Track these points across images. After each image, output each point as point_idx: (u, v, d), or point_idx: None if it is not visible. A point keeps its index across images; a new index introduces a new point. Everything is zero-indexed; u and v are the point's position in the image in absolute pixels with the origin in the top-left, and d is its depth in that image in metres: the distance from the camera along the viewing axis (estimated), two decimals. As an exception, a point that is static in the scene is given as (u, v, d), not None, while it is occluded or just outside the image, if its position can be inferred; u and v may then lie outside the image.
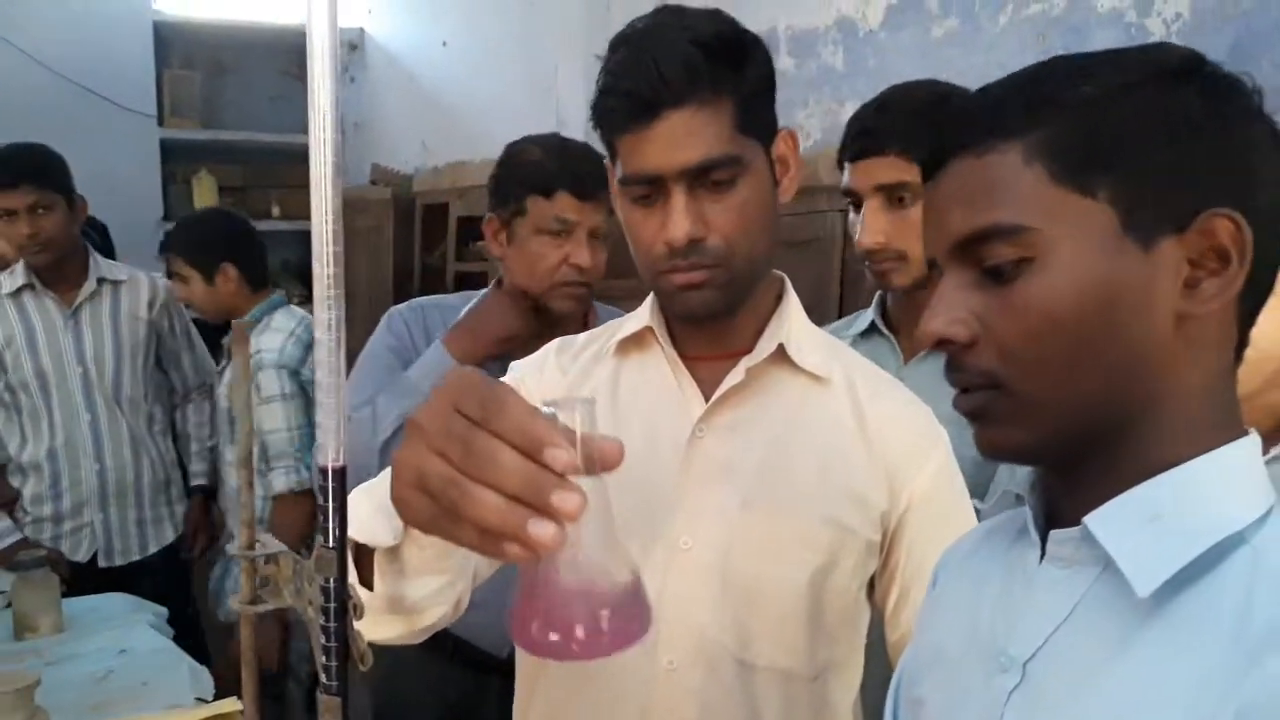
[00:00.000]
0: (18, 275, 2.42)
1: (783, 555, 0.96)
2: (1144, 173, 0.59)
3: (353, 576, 0.74)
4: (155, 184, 4.20)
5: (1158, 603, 0.58)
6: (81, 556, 2.44)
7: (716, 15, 0.96)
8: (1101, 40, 1.90)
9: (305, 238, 2.88)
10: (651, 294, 1.04)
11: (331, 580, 0.58)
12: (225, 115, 4.57)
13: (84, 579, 2.31)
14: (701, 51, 0.91)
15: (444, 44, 4.09)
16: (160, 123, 4.24)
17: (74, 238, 2.46)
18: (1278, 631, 0.53)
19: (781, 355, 1.00)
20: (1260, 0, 1.63)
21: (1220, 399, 0.62)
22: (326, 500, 0.60)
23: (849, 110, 1.60)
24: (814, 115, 2.59)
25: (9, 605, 1.89)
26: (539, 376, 1.07)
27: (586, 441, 0.57)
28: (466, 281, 3.44)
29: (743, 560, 0.96)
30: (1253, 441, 0.62)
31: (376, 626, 0.79)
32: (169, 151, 4.26)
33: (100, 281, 2.50)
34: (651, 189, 0.93)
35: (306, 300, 3.31)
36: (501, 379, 1.07)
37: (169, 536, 2.57)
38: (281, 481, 2.23)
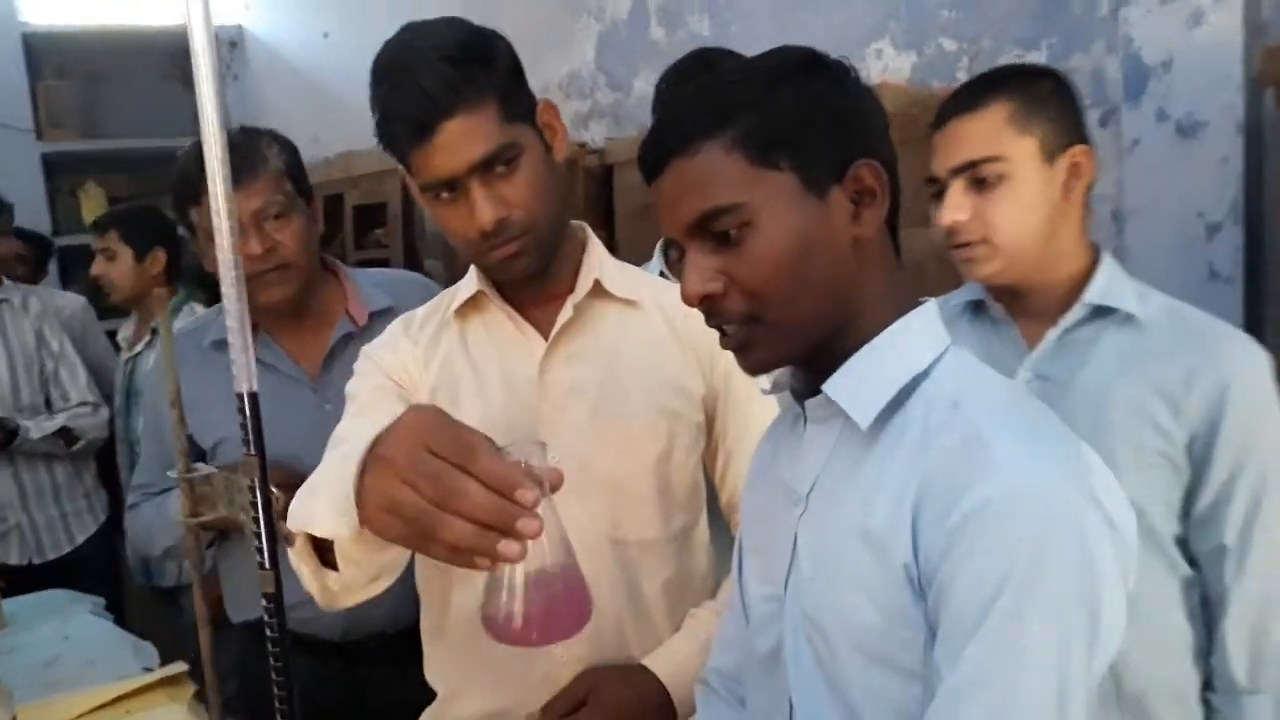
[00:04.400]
0: None
1: (632, 448, 1.15)
2: (807, 144, 0.79)
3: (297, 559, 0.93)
4: (40, 199, 4.15)
5: (876, 433, 0.80)
6: (15, 559, 2.53)
7: (453, 23, 1.10)
8: (936, -8, 2.08)
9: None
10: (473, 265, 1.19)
11: (256, 479, 0.71)
12: (107, 124, 4.51)
13: (22, 579, 2.37)
14: (453, 66, 1.05)
15: (325, 35, 4.12)
16: (39, 136, 4.19)
17: None
18: (941, 428, 0.76)
19: (598, 289, 1.18)
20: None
21: (892, 287, 0.84)
22: (245, 418, 0.73)
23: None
24: (689, 81, 2.73)
25: (-56, 610, 1.93)
26: (394, 353, 1.20)
27: (539, 474, 0.74)
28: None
29: (601, 459, 1.14)
30: (926, 309, 0.85)
31: (344, 595, 0.96)
32: (51, 165, 4.21)
33: None
34: (451, 189, 1.08)
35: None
36: (363, 360, 1.22)
37: (91, 527, 2.68)
38: None
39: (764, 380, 0.94)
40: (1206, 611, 1.20)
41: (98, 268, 2.69)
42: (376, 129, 1.09)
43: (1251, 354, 1.18)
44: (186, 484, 0.79)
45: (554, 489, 0.76)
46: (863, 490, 0.79)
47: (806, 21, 2.37)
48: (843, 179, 0.80)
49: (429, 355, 1.19)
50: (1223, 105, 1.58)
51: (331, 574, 0.92)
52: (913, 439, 0.77)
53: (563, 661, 1.15)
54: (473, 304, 1.20)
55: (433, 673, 1.25)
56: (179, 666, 1.53)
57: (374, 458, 0.75)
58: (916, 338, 0.82)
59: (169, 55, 4.76)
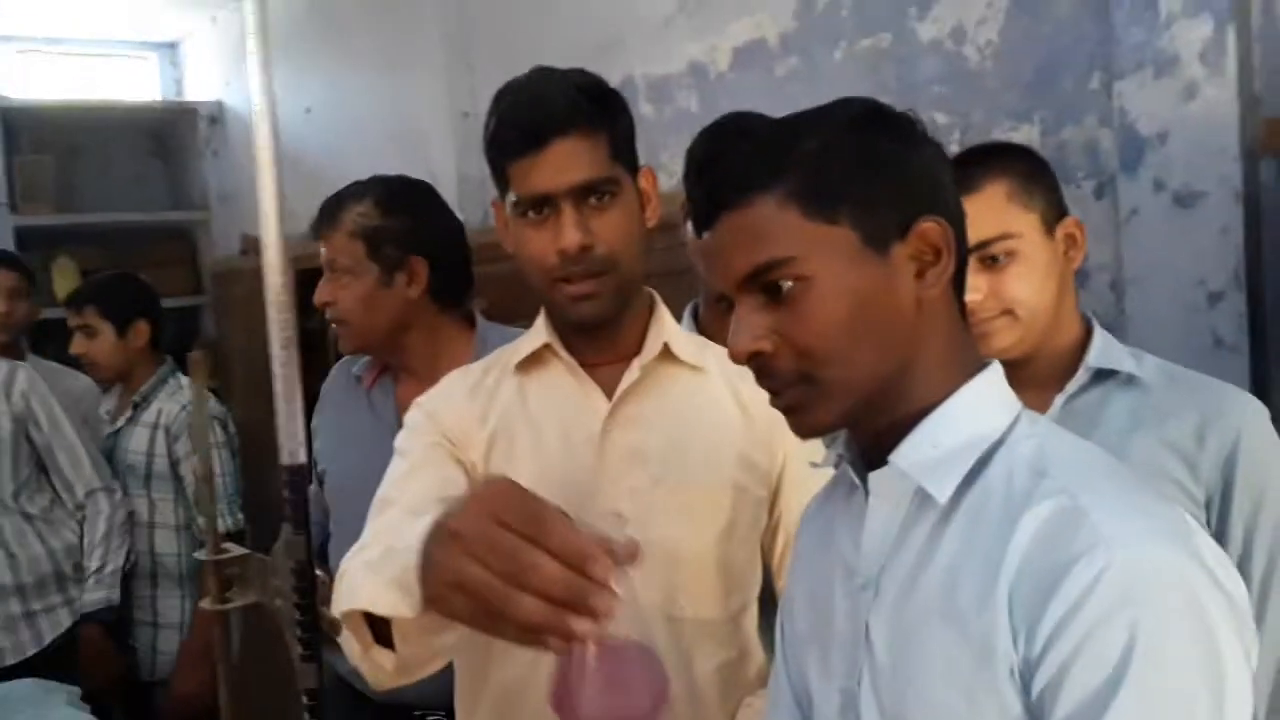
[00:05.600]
0: None
1: (694, 520, 1.10)
2: (866, 200, 0.76)
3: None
4: (12, 272, 4.08)
5: (953, 506, 0.75)
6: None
7: (584, 72, 1.15)
8: (927, 68, 2.11)
9: (171, 314, 2.86)
10: (542, 314, 1.17)
11: (298, 561, 0.66)
12: (82, 198, 4.48)
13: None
14: (581, 92, 1.07)
15: (307, 110, 4.13)
16: (13, 209, 4.13)
17: None
18: (1029, 497, 0.71)
19: (665, 354, 1.15)
20: (1058, 27, 1.87)
21: (957, 349, 0.80)
22: (292, 493, 0.69)
23: (709, 146, 1.76)
24: (676, 156, 2.73)
25: (-91, 703, 1.83)
26: (449, 405, 1.17)
27: (615, 547, 0.68)
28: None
29: (661, 529, 1.09)
30: (993, 370, 0.80)
31: (398, 675, 0.90)
32: (24, 239, 4.13)
33: None
34: (542, 208, 1.07)
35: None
36: (416, 413, 1.18)
37: (65, 623, 2.45)
38: (222, 524, 2.35)
39: (815, 452, 0.90)
40: None
41: (78, 346, 2.51)
42: (486, 138, 1.10)
43: (1255, 406, 1.20)
44: (213, 565, 0.74)
45: (630, 562, 0.70)
46: (943, 569, 0.74)
47: (796, 96, 2.39)
48: (906, 236, 0.77)
49: (486, 409, 1.15)
50: (1220, 175, 1.60)
51: (386, 653, 0.87)
52: (995, 510, 0.72)
53: None
54: (536, 359, 1.16)
55: None
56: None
57: (441, 531, 0.71)
58: (987, 402, 0.79)
59: (144, 130, 4.76)
